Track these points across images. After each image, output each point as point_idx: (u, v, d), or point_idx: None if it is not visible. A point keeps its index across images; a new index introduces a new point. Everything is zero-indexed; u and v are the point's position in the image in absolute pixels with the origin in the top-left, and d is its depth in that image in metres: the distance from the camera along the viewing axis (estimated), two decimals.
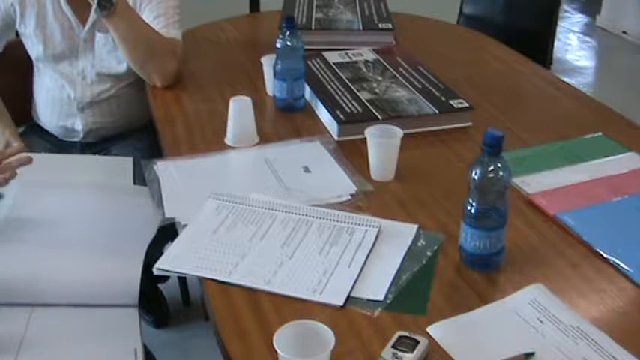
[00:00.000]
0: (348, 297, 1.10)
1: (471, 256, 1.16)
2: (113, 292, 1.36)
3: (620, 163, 1.47)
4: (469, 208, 1.13)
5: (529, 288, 1.11)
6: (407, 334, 0.99)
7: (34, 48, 1.94)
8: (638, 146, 1.52)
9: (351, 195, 1.37)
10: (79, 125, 1.99)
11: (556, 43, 2.70)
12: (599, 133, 1.59)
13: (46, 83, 1.99)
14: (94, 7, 1.73)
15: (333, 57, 1.94)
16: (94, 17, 1.85)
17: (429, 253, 1.20)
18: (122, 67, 1.93)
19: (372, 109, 1.63)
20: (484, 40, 2.25)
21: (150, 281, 1.35)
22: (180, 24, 1.92)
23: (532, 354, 0.98)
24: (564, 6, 5.30)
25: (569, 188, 1.38)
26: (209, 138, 1.60)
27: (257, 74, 1.85)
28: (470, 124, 1.64)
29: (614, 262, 1.17)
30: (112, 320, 1.34)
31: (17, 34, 2.00)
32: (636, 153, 1.50)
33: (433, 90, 1.73)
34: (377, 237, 1.23)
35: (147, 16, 1.88)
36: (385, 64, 1.90)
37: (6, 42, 2.00)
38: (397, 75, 1.82)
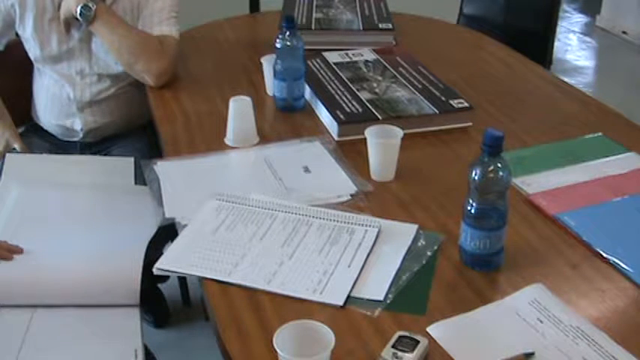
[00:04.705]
0: (348, 297, 1.10)
1: (471, 256, 1.16)
2: (113, 292, 1.36)
3: (620, 163, 1.47)
4: (469, 208, 1.13)
5: (529, 288, 1.11)
6: (407, 334, 0.99)
7: (31, 49, 1.95)
8: (638, 146, 1.52)
9: (351, 195, 1.37)
10: (78, 125, 1.99)
11: (556, 43, 2.69)
12: (599, 133, 1.59)
13: (46, 83, 1.99)
14: (77, 16, 1.79)
15: (333, 57, 1.94)
16: None
17: (429, 253, 1.20)
18: (120, 67, 1.92)
19: (372, 109, 1.63)
20: (484, 40, 2.25)
21: (150, 281, 1.35)
22: (177, 21, 1.92)
23: (532, 354, 0.98)
24: (564, 6, 5.30)
25: (569, 188, 1.38)
26: (209, 138, 1.60)
27: (257, 74, 1.85)
28: (470, 124, 1.64)
29: (614, 262, 1.17)
30: (112, 321, 1.34)
31: (17, 34, 2.00)
32: (636, 153, 1.50)
33: (433, 90, 1.73)
34: (377, 237, 1.23)
35: (144, 12, 1.89)
36: (385, 64, 1.90)
37: (7, 41, 2.00)
38: (397, 75, 1.82)
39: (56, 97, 1.98)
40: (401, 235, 1.24)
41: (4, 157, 1.81)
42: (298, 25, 1.77)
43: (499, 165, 1.10)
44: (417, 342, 0.97)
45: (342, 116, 1.59)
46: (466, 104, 1.66)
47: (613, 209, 1.32)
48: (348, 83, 1.77)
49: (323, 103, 1.66)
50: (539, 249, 1.22)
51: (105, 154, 1.97)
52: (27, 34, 1.92)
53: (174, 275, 1.23)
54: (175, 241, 1.25)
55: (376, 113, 1.61)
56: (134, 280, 1.35)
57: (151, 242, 1.42)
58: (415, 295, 1.11)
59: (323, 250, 1.21)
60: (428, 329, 1.03)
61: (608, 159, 1.48)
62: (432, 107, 1.64)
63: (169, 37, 1.88)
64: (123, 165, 1.79)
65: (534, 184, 1.39)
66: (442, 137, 1.60)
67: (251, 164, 1.52)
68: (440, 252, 1.20)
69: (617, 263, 1.17)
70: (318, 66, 1.88)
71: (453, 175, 1.40)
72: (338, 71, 1.85)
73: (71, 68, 1.94)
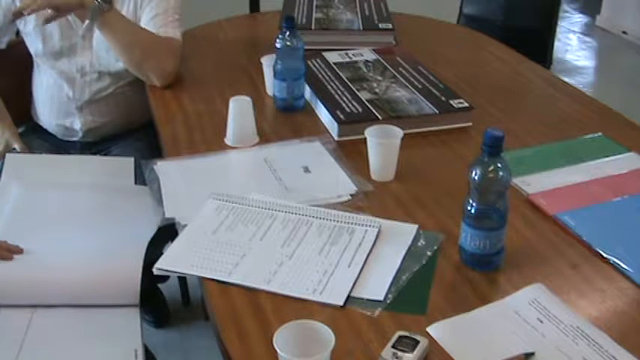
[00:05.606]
0: (348, 297, 1.10)
1: (471, 256, 1.16)
2: (113, 292, 1.36)
3: (620, 163, 1.47)
4: (469, 208, 1.13)
5: (529, 288, 1.11)
6: (407, 334, 0.99)
7: (33, 44, 1.95)
8: (638, 146, 1.52)
9: (351, 195, 1.37)
10: (77, 124, 1.99)
11: (556, 43, 2.70)
12: (599, 133, 1.59)
13: (45, 81, 1.99)
14: (89, 14, 1.75)
15: (333, 57, 1.94)
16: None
17: (429, 253, 1.20)
18: (121, 65, 1.92)
19: (372, 109, 1.63)
20: (484, 40, 2.25)
21: (150, 281, 1.35)
22: (180, 23, 1.92)
23: (532, 354, 0.98)
24: (564, 6, 5.30)
25: (569, 188, 1.38)
26: (209, 138, 1.60)
27: (257, 74, 1.85)
28: (470, 124, 1.64)
29: (614, 262, 1.17)
30: (112, 321, 1.34)
31: (17, 33, 2.00)
32: (636, 153, 1.50)
33: (433, 90, 1.73)
34: (377, 237, 1.23)
35: (147, 14, 1.88)
36: (385, 64, 1.90)
37: (9, 39, 2.00)
38: (397, 75, 1.82)
39: (55, 96, 1.98)
40: (401, 235, 1.24)
41: (4, 157, 1.81)
42: (298, 25, 1.77)
43: (499, 165, 1.10)
44: (417, 342, 0.97)
45: (342, 116, 1.59)
46: (466, 104, 1.66)
47: (613, 209, 1.32)
48: (348, 83, 1.77)
49: (323, 103, 1.66)
50: (539, 249, 1.22)
51: (105, 154, 1.97)
52: (28, 28, 1.92)
53: (174, 275, 1.23)
54: (175, 241, 1.25)
55: (376, 113, 1.61)
56: (134, 280, 1.35)
57: (150, 242, 1.42)
58: (415, 295, 1.11)
59: (323, 250, 1.20)
60: (428, 329, 1.03)
61: (608, 159, 1.49)
62: (432, 107, 1.64)
63: (174, 39, 1.88)
64: (123, 165, 1.79)
65: (534, 184, 1.39)
66: (442, 137, 1.60)
67: (251, 164, 1.52)
68: (440, 252, 1.20)
69: (617, 263, 1.17)
70: (318, 66, 1.88)
71: (453, 175, 1.40)
72: (338, 71, 1.85)
73: (72, 65, 1.94)
